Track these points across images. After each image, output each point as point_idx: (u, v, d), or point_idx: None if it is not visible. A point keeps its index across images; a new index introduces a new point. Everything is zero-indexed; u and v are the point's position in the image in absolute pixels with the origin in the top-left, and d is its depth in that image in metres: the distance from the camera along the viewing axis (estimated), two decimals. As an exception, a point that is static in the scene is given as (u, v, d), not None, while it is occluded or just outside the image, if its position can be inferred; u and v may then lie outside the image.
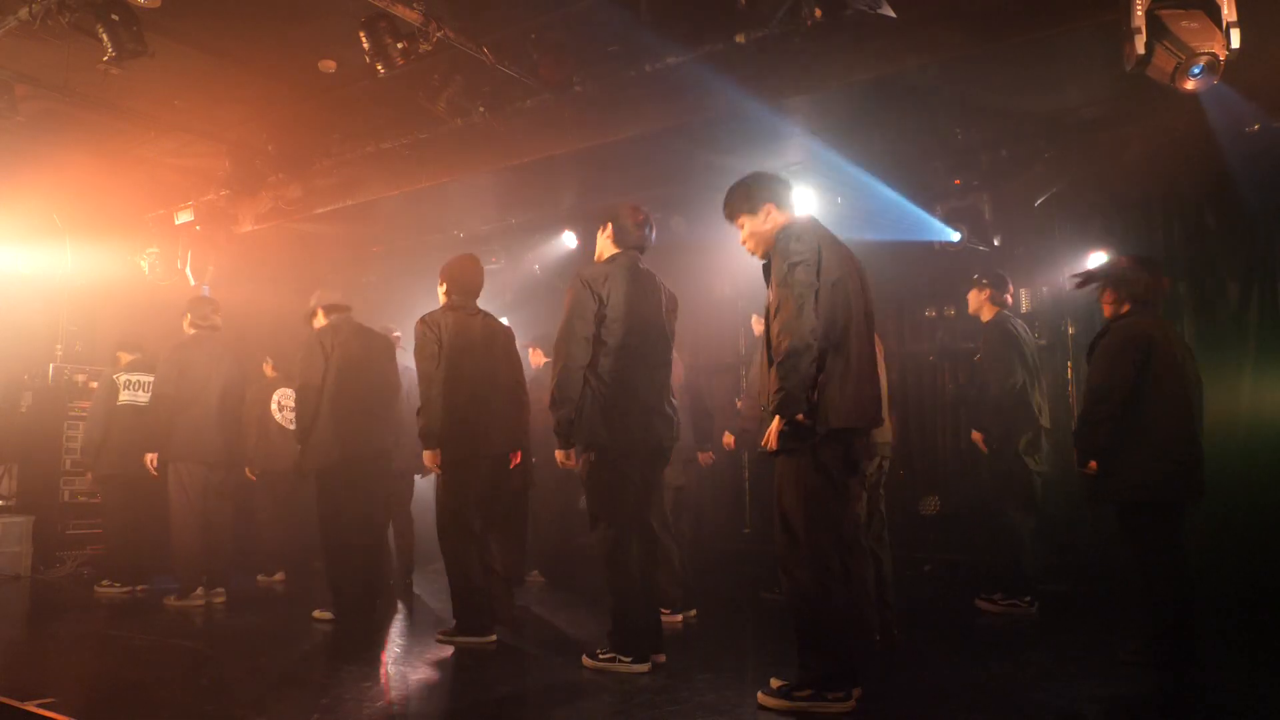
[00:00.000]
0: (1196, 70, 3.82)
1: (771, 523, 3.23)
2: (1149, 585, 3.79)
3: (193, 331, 5.90)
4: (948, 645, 4.44)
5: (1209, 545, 5.01)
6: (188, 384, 5.67)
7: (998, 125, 5.79)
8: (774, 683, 3.13)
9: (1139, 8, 3.83)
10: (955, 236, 6.17)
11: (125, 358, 6.40)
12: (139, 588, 6.06)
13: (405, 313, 7.07)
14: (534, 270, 8.27)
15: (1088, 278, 4.17)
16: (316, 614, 4.99)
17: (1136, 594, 3.90)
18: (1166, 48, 3.81)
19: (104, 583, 6.03)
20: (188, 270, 7.72)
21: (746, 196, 3.37)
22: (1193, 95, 3.99)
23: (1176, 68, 3.82)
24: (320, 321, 5.21)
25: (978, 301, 5.42)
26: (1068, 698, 3.36)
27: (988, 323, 5.37)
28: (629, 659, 3.66)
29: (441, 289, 4.60)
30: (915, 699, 3.38)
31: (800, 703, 3.03)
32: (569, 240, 7.84)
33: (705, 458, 5.87)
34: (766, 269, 3.26)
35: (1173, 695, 3.51)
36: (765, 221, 3.32)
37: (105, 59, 4.88)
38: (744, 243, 3.40)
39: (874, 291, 3.34)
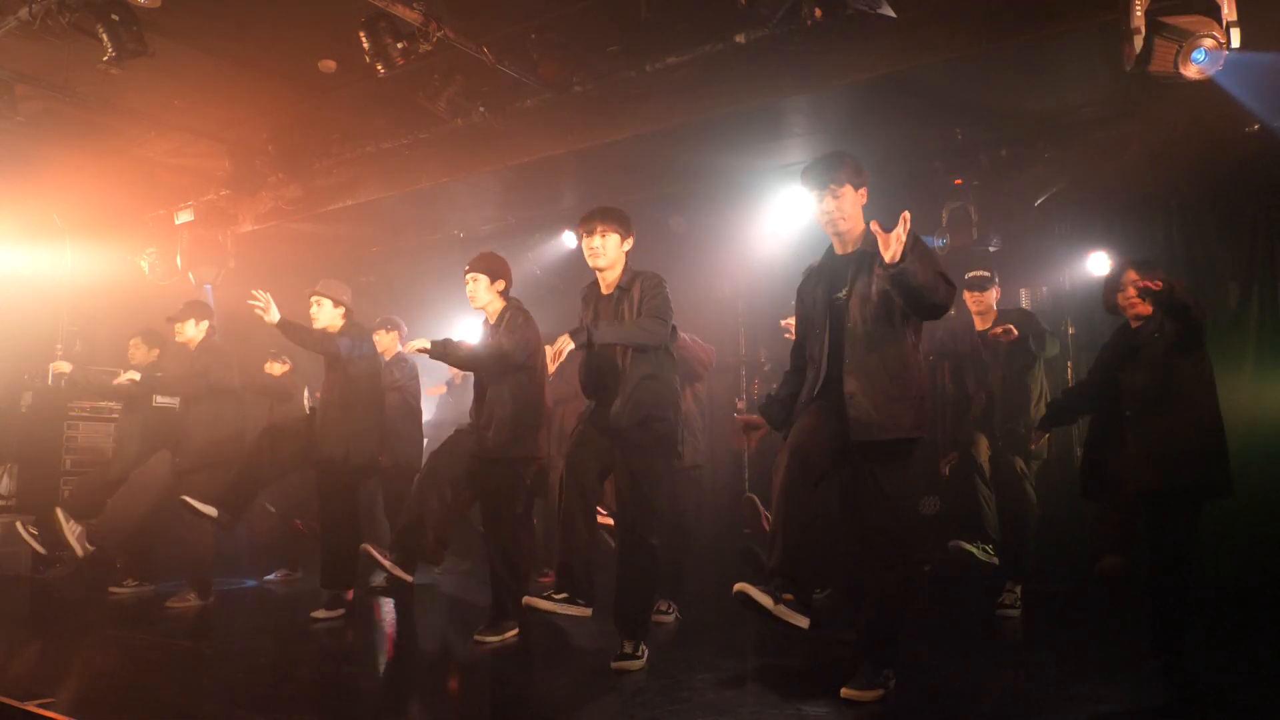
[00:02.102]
0: (1200, 56, 3.81)
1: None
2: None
3: (209, 337, 5.89)
4: (948, 645, 4.44)
5: (1208, 544, 4.99)
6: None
7: (998, 125, 5.79)
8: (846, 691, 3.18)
9: (1138, 8, 3.84)
10: (941, 241, 6.16)
11: (141, 354, 6.41)
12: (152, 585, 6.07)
13: (405, 312, 7.07)
14: (534, 271, 8.26)
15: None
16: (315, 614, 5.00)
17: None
18: (1165, 37, 3.83)
19: (129, 581, 6.01)
20: (190, 273, 7.73)
21: (858, 170, 3.39)
22: (1195, 91, 3.98)
23: (1177, 53, 3.83)
24: (337, 323, 5.26)
25: (992, 301, 5.30)
26: (1070, 697, 3.36)
27: (1008, 312, 5.33)
28: None
29: (498, 285, 4.53)
30: (914, 698, 3.38)
31: (886, 687, 3.21)
32: (569, 240, 7.84)
33: None
34: (845, 261, 3.36)
35: (1174, 694, 3.52)
36: (858, 209, 3.38)
37: (105, 59, 4.88)
38: (830, 211, 3.35)
39: None
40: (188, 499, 4.94)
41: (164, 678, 3.79)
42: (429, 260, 8.54)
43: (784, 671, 3.32)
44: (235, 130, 6.83)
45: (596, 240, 3.85)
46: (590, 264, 3.92)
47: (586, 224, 3.89)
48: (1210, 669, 3.84)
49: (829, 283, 3.39)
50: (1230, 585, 4.97)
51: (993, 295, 5.29)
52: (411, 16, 4.85)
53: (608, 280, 3.94)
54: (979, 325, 5.33)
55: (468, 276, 4.51)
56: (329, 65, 5.79)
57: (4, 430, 7.33)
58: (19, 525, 5.97)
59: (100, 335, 8.07)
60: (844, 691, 3.17)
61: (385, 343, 6.32)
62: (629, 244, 3.94)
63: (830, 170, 3.34)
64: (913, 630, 4.39)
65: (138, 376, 5.65)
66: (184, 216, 7.70)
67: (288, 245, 8.31)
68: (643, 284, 3.84)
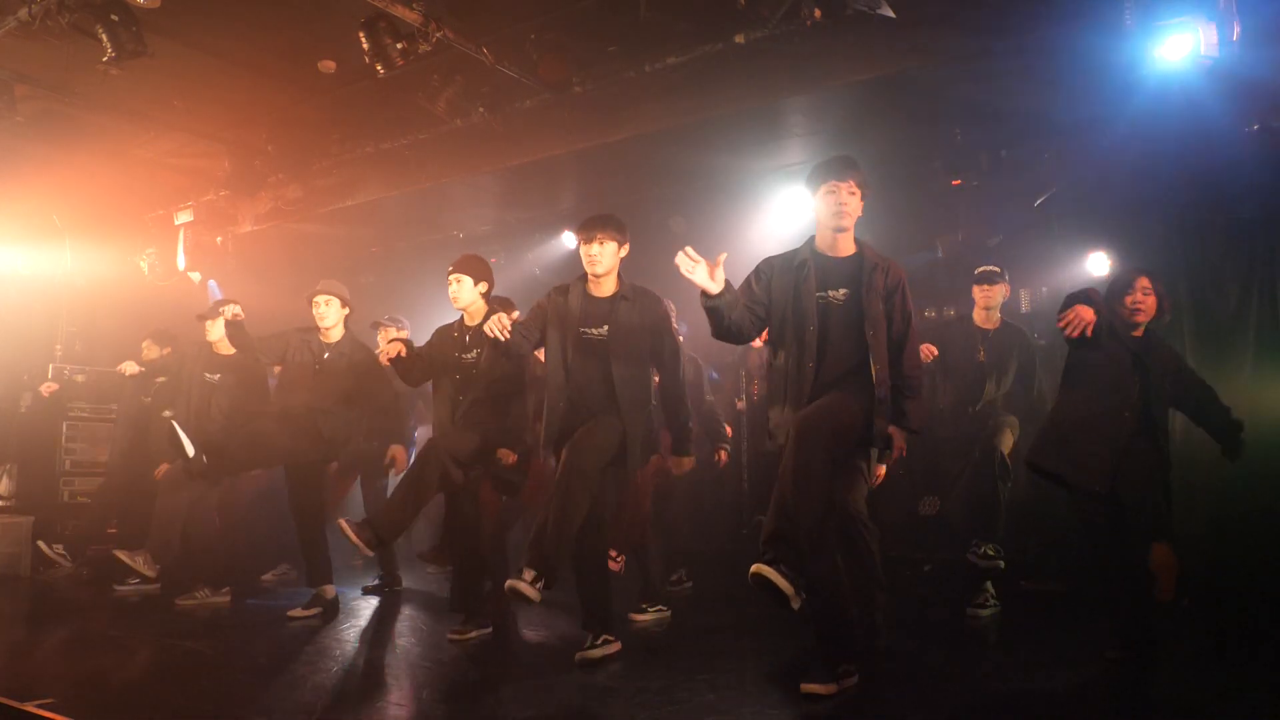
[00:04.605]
0: (1193, 51, 3.85)
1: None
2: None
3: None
4: (948, 644, 4.44)
5: (1207, 545, 5.00)
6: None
7: (998, 125, 5.78)
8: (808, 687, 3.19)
9: (1130, 10, 3.88)
10: (938, 254, 6.17)
11: (151, 352, 6.39)
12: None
13: (404, 312, 7.06)
14: (534, 271, 8.26)
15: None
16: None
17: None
18: (1160, 34, 3.90)
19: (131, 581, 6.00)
20: (194, 274, 7.75)
21: (865, 181, 3.59)
22: (1193, 92, 4.01)
23: (1168, 45, 3.90)
24: (341, 326, 5.22)
25: (1000, 298, 5.25)
26: (1070, 695, 3.36)
27: (1011, 325, 5.32)
28: None
29: (481, 288, 4.56)
30: (916, 698, 3.38)
31: (841, 683, 3.22)
32: (569, 240, 7.84)
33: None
34: (840, 264, 3.54)
35: (1175, 692, 3.52)
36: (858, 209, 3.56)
37: (105, 59, 4.88)
38: (846, 204, 3.52)
39: None
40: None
41: (164, 678, 3.79)
42: (429, 260, 8.53)
43: (785, 671, 3.31)
44: (235, 130, 6.84)
45: (595, 248, 3.97)
46: (588, 270, 4.04)
47: (586, 232, 4.00)
48: (1211, 668, 3.83)
49: (818, 280, 3.53)
50: (1229, 585, 4.98)
51: (1000, 291, 5.23)
52: (411, 17, 4.86)
53: (603, 286, 4.06)
54: (980, 320, 5.27)
55: (451, 277, 4.56)
56: (329, 65, 5.80)
57: (4, 430, 7.33)
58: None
59: (100, 335, 8.07)
60: (804, 687, 3.18)
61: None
62: (624, 251, 4.06)
63: (852, 167, 3.54)
64: (914, 629, 4.41)
65: (137, 369, 5.72)
66: (184, 216, 7.72)
67: (288, 245, 8.31)
68: (657, 320, 4.06)
